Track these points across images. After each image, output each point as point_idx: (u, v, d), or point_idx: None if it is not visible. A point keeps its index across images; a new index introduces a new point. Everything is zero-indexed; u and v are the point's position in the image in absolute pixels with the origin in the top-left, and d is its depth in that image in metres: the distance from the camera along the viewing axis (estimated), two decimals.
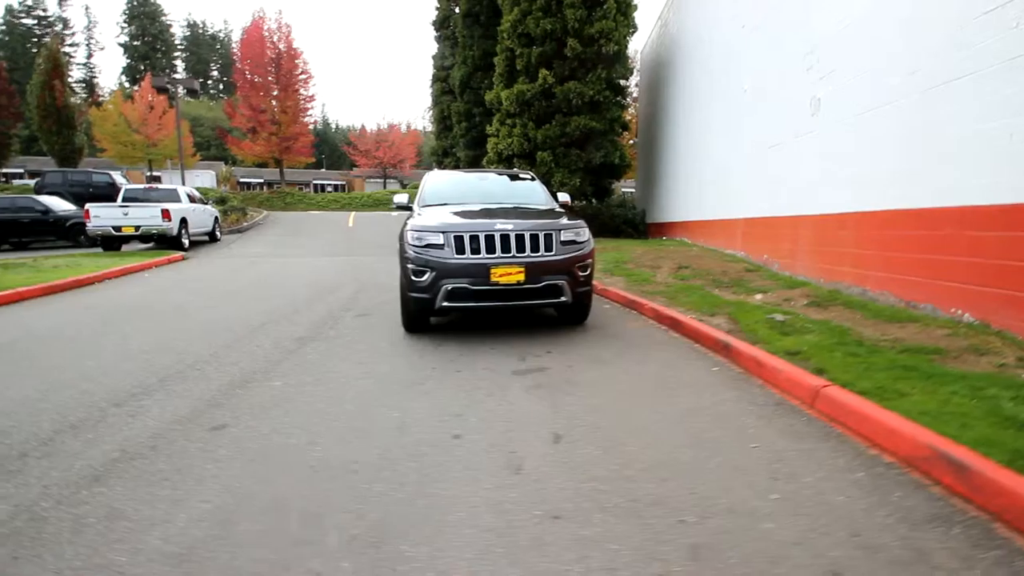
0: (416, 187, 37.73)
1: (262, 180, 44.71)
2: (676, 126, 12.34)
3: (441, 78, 19.51)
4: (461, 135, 16.75)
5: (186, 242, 12.91)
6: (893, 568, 1.61)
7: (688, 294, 6.25)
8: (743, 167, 8.11)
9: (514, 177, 6.34)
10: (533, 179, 6.29)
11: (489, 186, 6.01)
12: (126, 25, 52.87)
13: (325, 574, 1.62)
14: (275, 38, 31.44)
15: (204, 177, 32.71)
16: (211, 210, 15.43)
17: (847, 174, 5.50)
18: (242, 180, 42.38)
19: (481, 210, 5.04)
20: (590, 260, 4.69)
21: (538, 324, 5.18)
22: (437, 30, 19.66)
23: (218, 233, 15.72)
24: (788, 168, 6.70)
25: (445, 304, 4.37)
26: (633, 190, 18.47)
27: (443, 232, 4.40)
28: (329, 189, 45.78)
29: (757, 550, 1.70)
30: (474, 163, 17.01)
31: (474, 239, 4.33)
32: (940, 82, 4.23)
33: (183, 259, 11.30)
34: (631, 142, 18.52)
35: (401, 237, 4.94)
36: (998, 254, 3.66)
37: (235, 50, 37.71)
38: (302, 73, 32.42)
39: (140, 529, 1.87)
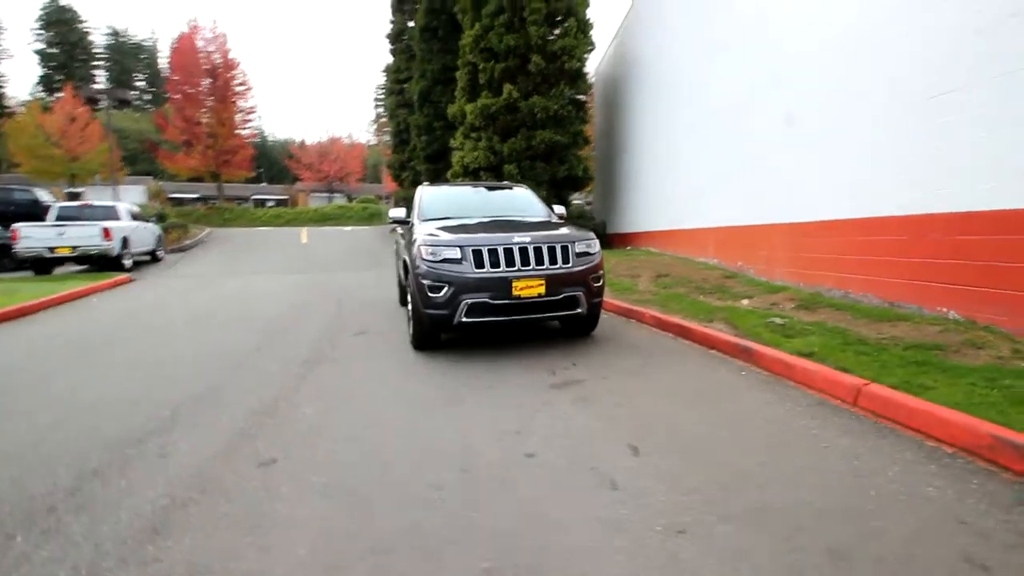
0: (367, 201, 37.53)
1: (196, 195, 42.26)
2: (638, 141, 12.76)
3: (397, 91, 19.28)
4: (421, 148, 16.57)
5: (128, 263, 11.97)
6: (1011, 550, 1.71)
7: (677, 301, 6.43)
8: (714, 180, 8.49)
9: (508, 189, 6.33)
10: (527, 191, 6.31)
11: (486, 199, 5.97)
12: (42, 32, 48.77)
13: None
14: (210, 48, 30.00)
15: (133, 192, 30.41)
16: (153, 228, 14.41)
17: (824, 184, 5.87)
18: (173, 195, 39.81)
19: (491, 223, 5.00)
20: (601, 271, 4.74)
21: (545, 337, 5.17)
22: (392, 43, 19.45)
23: (161, 252, 14.68)
24: (762, 179, 7.08)
25: (464, 320, 4.27)
26: (580, 201, 18.93)
27: (460, 246, 4.32)
28: (270, 204, 43.89)
29: (885, 548, 1.75)
30: (435, 176, 16.86)
31: (493, 252, 4.28)
32: (922, 99, 4.62)
33: (130, 281, 10.45)
34: (590, 155, 18.96)
35: (407, 252, 4.81)
36: (984, 256, 4.01)
37: (164, 60, 35.65)
38: (240, 84, 31.05)
39: None
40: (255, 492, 2.27)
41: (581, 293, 4.47)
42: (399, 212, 5.67)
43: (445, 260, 4.31)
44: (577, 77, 13.34)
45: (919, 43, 4.67)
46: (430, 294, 4.31)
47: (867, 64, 5.26)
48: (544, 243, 4.40)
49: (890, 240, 4.94)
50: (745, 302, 6.27)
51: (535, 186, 13.13)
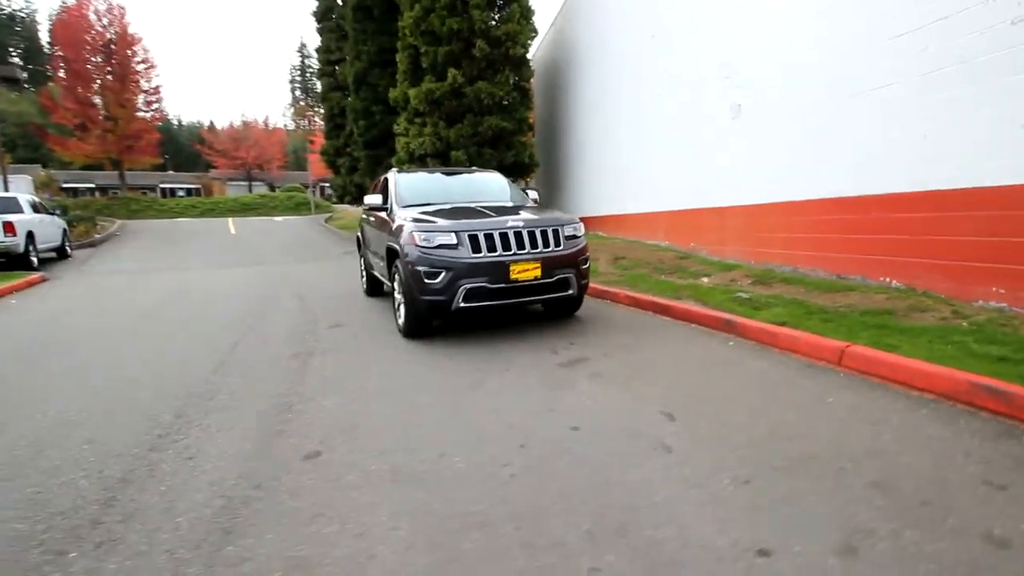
0: (292, 190, 35.91)
1: (93, 185, 38.18)
2: (581, 129, 13.08)
3: (329, 72, 18.35)
4: (359, 134, 15.96)
5: (35, 260, 10.71)
6: (1015, 471, 2.05)
7: (643, 281, 6.78)
8: (663, 166, 8.93)
9: (481, 174, 6.33)
10: (499, 176, 6.35)
11: (461, 184, 5.95)
12: None
13: (604, 569, 1.63)
14: (104, 21, 26.99)
15: (17, 183, 26.81)
16: (59, 221, 12.93)
17: (772, 169, 6.39)
18: (67, 185, 35.68)
19: (473, 208, 5.00)
20: (587, 254, 4.90)
21: (530, 320, 5.26)
22: (319, 21, 18.43)
23: (68, 248, 13.23)
24: (713, 166, 7.55)
25: (462, 305, 4.29)
26: (522, 188, 19.15)
27: (455, 231, 4.31)
28: (181, 194, 40.51)
29: (919, 478, 2.04)
30: (375, 163, 16.34)
31: (489, 237, 4.31)
32: (857, 92, 5.15)
33: (44, 280, 9.36)
34: (533, 142, 19.12)
35: (392, 239, 4.73)
36: (920, 231, 4.58)
37: (47, 33, 31.58)
38: (142, 62, 28.22)
39: (355, 572, 1.68)
40: (317, 483, 2.23)
41: (572, 275, 4.62)
42: (376, 199, 5.52)
43: (441, 246, 4.29)
44: (521, 63, 13.39)
45: (852, 44, 5.18)
46: (426, 280, 4.28)
47: (811, 60, 5.75)
48: (536, 227, 4.49)
49: (836, 219, 5.50)
50: (705, 280, 6.72)
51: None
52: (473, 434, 2.64)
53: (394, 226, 4.93)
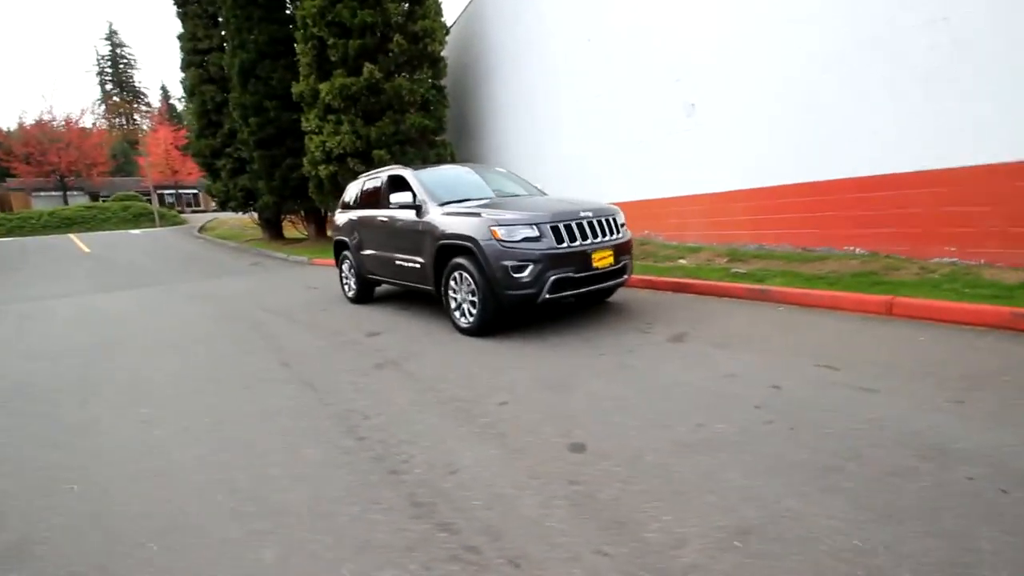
0: (127, 199, 31.74)
1: None
2: (500, 129, 13.33)
3: (198, 63, 16.03)
4: (251, 132, 14.31)
5: None
6: None
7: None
8: (610, 162, 9.59)
9: (493, 171, 6.27)
10: (506, 170, 6.38)
11: (485, 179, 5.86)
12: None
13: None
14: None
15: None
16: None
17: (736, 160, 7.32)
18: None
19: (519, 199, 5.05)
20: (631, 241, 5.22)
21: (561, 314, 5.42)
22: (180, 6, 16.01)
23: None
24: (668, 160, 8.36)
25: (548, 296, 4.33)
26: None
27: (535, 224, 4.33)
28: None
29: (1012, 375, 2.71)
30: (271, 164, 14.82)
31: (568, 228, 4.40)
32: (829, 86, 6.18)
33: None
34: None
35: (456, 237, 4.57)
36: (881, 207, 5.70)
37: None
38: None
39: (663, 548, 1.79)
40: (613, 476, 2.22)
41: (629, 260, 4.90)
42: (405, 197, 5.22)
43: (525, 239, 4.28)
44: (438, 61, 13.24)
45: (804, 53, 6.23)
46: (514, 275, 4.24)
47: (766, 59, 6.74)
48: (602, 216, 4.68)
49: (803, 201, 6.53)
50: (683, 261, 7.47)
51: None
52: (698, 405, 2.79)
53: (446, 224, 4.75)
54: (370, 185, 6.41)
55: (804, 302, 4.76)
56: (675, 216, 8.44)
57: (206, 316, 6.61)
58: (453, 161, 13.99)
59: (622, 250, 4.75)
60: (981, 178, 4.94)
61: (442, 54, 13.39)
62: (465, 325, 4.67)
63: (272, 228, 17.92)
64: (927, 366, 3.05)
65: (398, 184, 5.72)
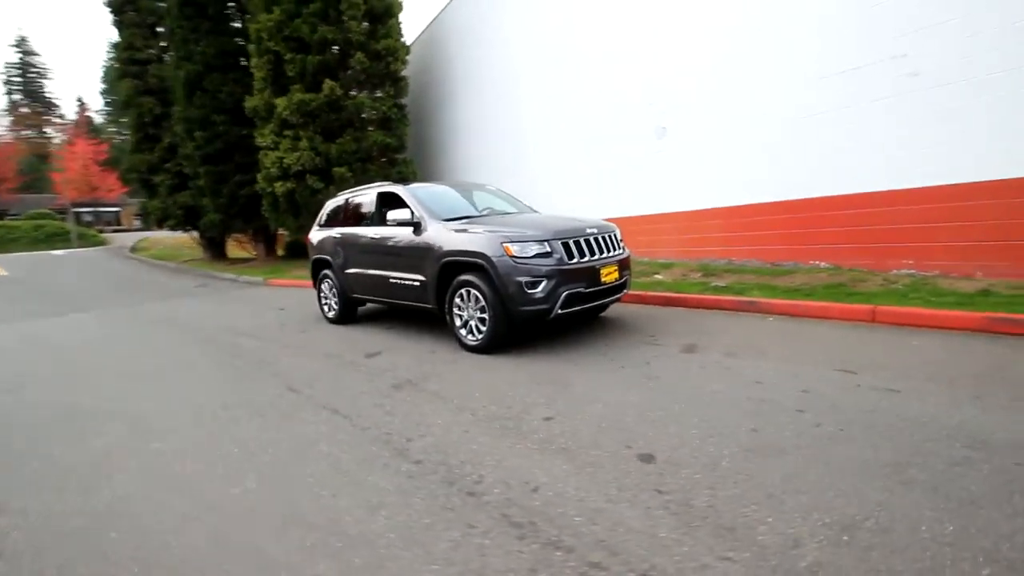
0: (38, 218, 29.46)
1: None
2: (472, 147, 13.36)
3: (134, 74, 14.99)
4: (197, 146, 13.53)
5: None
6: None
7: None
8: (580, 182, 9.86)
9: (480, 186, 6.27)
10: (495, 187, 6.40)
11: (476, 196, 5.85)
12: None
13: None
14: None
15: None
16: None
17: (707, 180, 7.73)
18: None
19: (521, 216, 5.10)
20: None
21: (559, 330, 5.48)
22: (116, 13, 14.96)
23: None
24: (641, 180, 8.70)
25: (560, 311, 4.36)
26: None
27: (547, 240, 4.38)
28: None
29: (1006, 372, 3.05)
30: (218, 180, 14.06)
31: (577, 243, 4.48)
32: (806, 114, 6.67)
33: None
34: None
35: (462, 254, 4.53)
36: (845, 224, 6.20)
37: None
38: None
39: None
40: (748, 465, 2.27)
41: (628, 276, 5.04)
42: (403, 214, 5.11)
43: (537, 255, 4.31)
44: (400, 80, 13.17)
45: (771, 83, 6.75)
46: (528, 290, 4.25)
47: (738, 84, 7.22)
48: (604, 232, 4.80)
49: (770, 219, 6.98)
50: (659, 276, 7.75)
51: None
52: (743, 412, 2.90)
53: (450, 240, 4.70)
54: (356, 202, 6.24)
55: (792, 312, 5.06)
56: (647, 233, 8.76)
57: (177, 340, 6.13)
58: (414, 178, 13.88)
59: (624, 265, 4.88)
60: (934, 197, 5.50)
61: (403, 73, 13.35)
62: (473, 343, 4.61)
63: (214, 248, 16.94)
64: (933, 367, 3.33)
65: (391, 201, 5.61)
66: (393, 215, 5.14)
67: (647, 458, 2.45)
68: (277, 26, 12.04)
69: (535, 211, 6.08)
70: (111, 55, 15.57)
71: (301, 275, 12.37)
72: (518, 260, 4.28)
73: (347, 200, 6.42)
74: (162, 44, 15.29)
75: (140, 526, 2.19)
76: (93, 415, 3.62)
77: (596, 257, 4.57)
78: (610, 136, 9.17)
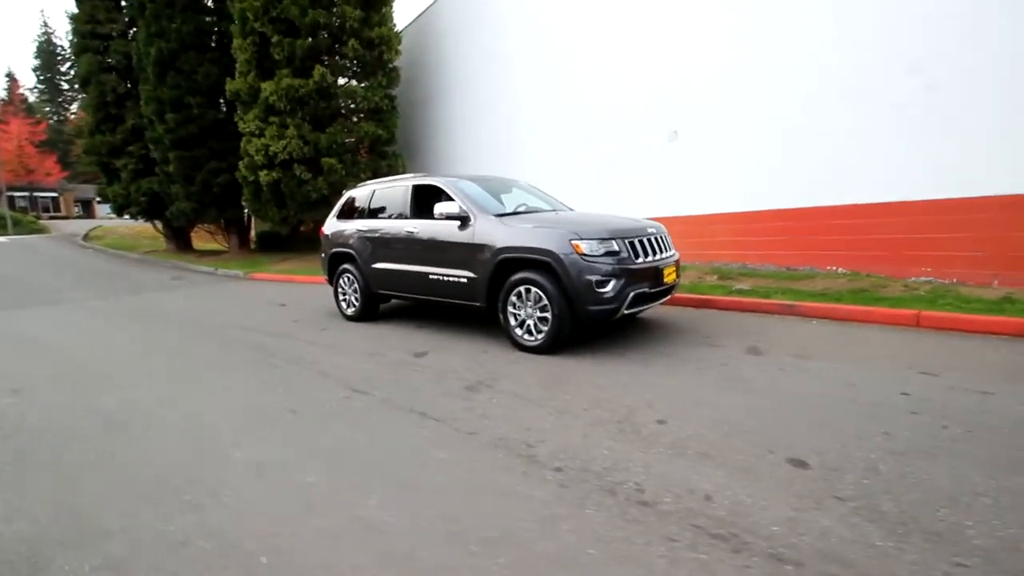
0: None
1: None
2: (462, 143, 13.10)
3: (96, 48, 13.79)
4: (169, 129, 12.63)
5: None
6: None
7: None
8: (590, 181, 9.83)
9: (515, 183, 6.10)
10: (526, 183, 6.26)
11: (515, 192, 5.69)
12: None
13: None
14: None
15: None
16: None
17: (719, 186, 7.86)
18: None
19: (590, 216, 5.05)
20: None
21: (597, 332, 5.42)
22: None
23: None
24: (650, 184, 8.75)
25: (626, 311, 4.29)
26: None
27: (614, 238, 4.29)
28: None
29: None
30: (192, 166, 13.19)
31: (642, 243, 4.42)
32: (801, 125, 6.87)
33: None
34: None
35: (525, 250, 4.38)
36: (864, 232, 6.43)
37: None
38: None
39: None
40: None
41: (679, 278, 5.03)
42: (451, 207, 4.90)
43: (607, 253, 4.22)
44: (393, 71, 12.78)
45: (785, 94, 6.94)
46: (597, 290, 4.15)
47: (752, 89, 7.38)
48: (660, 232, 4.76)
49: (787, 225, 7.16)
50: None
51: (357, 182, 12.13)
52: (860, 415, 2.90)
53: (508, 236, 4.54)
54: (385, 194, 5.95)
55: (832, 316, 5.19)
56: None
57: (186, 337, 5.66)
58: (403, 172, 13.49)
59: (678, 265, 4.86)
60: (949, 209, 5.78)
61: (395, 64, 12.95)
62: (531, 343, 4.46)
63: (180, 238, 15.92)
64: (1008, 369, 3.47)
65: (428, 194, 5.38)
66: (441, 208, 4.91)
67: (799, 463, 2.40)
68: (264, 6, 11.43)
69: (571, 208, 5.99)
70: (71, 28, 14.22)
71: (285, 269, 11.80)
72: (587, 258, 4.17)
73: (374, 192, 6.11)
74: (126, 19, 14.19)
75: (289, 547, 1.94)
76: (147, 419, 3.25)
77: (658, 257, 4.52)
78: (613, 133, 9.19)
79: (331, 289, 6.58)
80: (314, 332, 5.73)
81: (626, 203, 9.16)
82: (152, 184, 14.22)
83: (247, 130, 11.68)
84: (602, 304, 4.18)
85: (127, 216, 15.29)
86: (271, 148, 11.33)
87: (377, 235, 5.81)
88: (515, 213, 5.03)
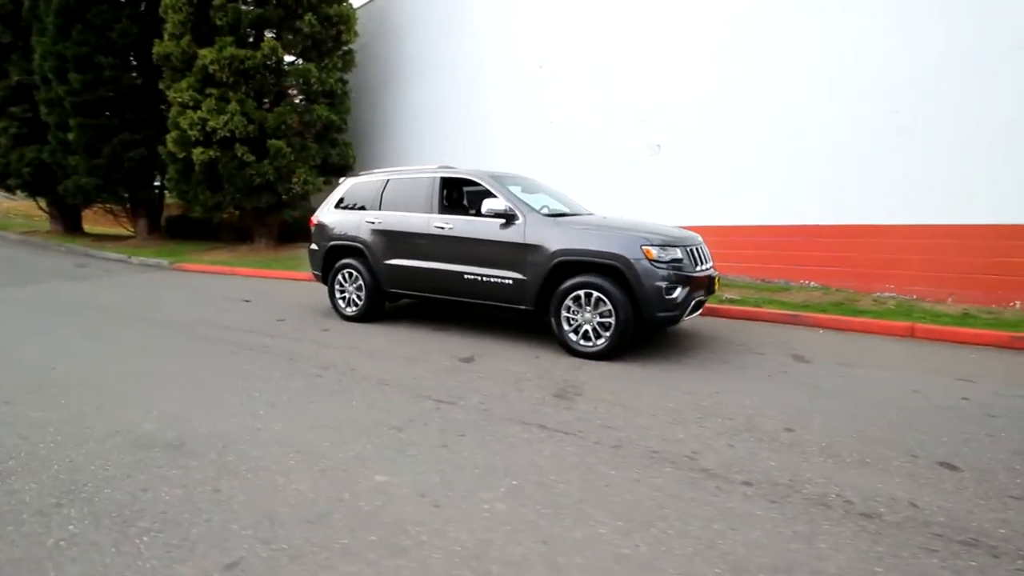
0: None
1: None
2: (417, 139, 12.57)
3: None
4: (70, 91, 10.68)
5: None
6: None
7: None
8: (566, 189, 9.86)
9: (538, 184, 5.90)
10: (548, 186, 6.11)
11: (543, 191, 5.53)
12: None
13: None
14: None
15: None
16: None
17: (697, 200, 8.27)
18: None
19: (641, 221, 5.03)
20: None
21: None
22: None
23: None
24: (627, 196, 8.99)
25: (685, 318, 4.34)
26: None
27: (678, 246, 4.32)
28: None
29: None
30: (98, 137, 11.21)
31: (694, 252, 4.49)
32: (779, 151, 7.44)
33: None
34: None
35: (592, 254, 4.27)
36: (834, 250, 7.10)
37: None
38: None
39: None
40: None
41: None
42: (499, 204, 4.63)
43: (673, 260, 4.23)
44: (349, 53, 11.94)
45: (768, 121, 7.51)
46: (667, 296, 4.15)
47: (730, 106, 7.87)
48: (703, 243, 4.88)
49: (762, 240, 7.71)
50: None
51: (311, 172, 11.20)
52: (944, 419, 3.16)
53: (567, 238, 4.40)
54: (402, 186, 5.48)
55: (836, 326, 5.65)
56: None
57: (155, 338, 4.78)
58: (351, 165, 12.64)
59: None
60: (910, 234, 6.58)
61: (351, 46, 12.11)
62: (589, 349, 4.33)
63: (70, 219, 13.59)
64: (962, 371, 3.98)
65: (460, 188, 5.08)
66: (490, 205, 4.63)
67: (949, 466, 2.54)
68: None
69: (591, 212, 5.94)
70: None
71: (221, 260, 10.56)
72: (657, 264, 4.15)
73: (387, 182, 5.61)
74: None
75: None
76: (203, 445, 2.66)
77: (708, 266, 4.64)
78: (598, 147, 9.34)
79: (315, 285, 5.99)
80: (315, 333, 5.14)
81: (597, 207, 9.34)
82: (41, 153, 11.95)
83: (179, 100, 10.26)
84: (669, 311, 4.18)
85: (1, 190, 12.71)
86: (210, 123, 10.05)
87: (394, 229, 5.34)
88: (563, 214, 4.89)
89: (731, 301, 6.72)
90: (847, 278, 7.07)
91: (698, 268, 4.41)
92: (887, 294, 6.77)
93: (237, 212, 12.37)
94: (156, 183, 12.66)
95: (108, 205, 12.81)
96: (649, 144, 8.76)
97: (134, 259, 10.46)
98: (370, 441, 2.73)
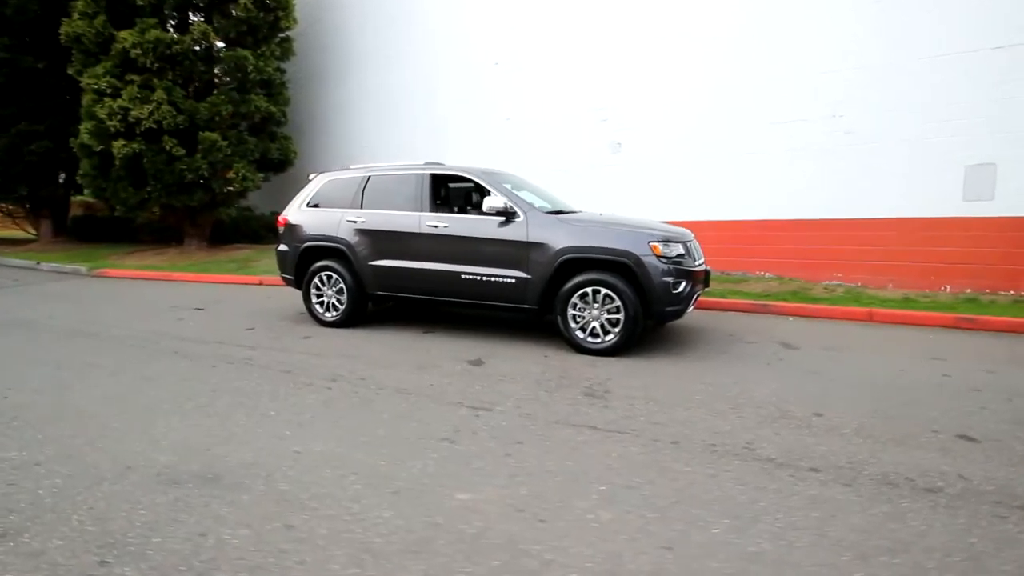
0: None
1: None
2: (375, 131, 12.05)
3: None
4: None
5: None
6: (1011, 350, 4.68)
7: None
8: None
9: (522, 180, 5.80)
10: (531, 183, 6.03)
11: (532, 188, 5.45)
12: None
13: None
14: None
15: None
16: None
17: (658, 197, 8.55)
18: None
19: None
20: None
21: None
22: None
23: None
24: (587, 194, 9.11)
25: (688, 311, 4.47)
26: None
27: (679, 241, 4.42)
28: None
29: (981, 352, 4.39)
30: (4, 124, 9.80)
31: (691, 247, 4.63)
32: (747, 151, 7.86)
33: None
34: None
35: (601, 251, 4.28)
36: (787, 242, 7.61)
37: None
38: None
39: None
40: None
41: None
42: (498, 202, 4.51)
43: (679, 255, 4.33)
44: (287, 41, 11.20)
45: (722, 123, 7.92)
46: (674, 291, 4.24)
47: (695, 107, 8.21)
48: (695, 238, 5.04)
49: (723, 234, 8.11)
50: None
51: (250, 168, 10.43)
52: (953, 398, 3.47)
53: (572, 236, 4.38)
54: (385, 183, 5.20)
55: (800, 313, 6.05)
56: None
57: (127, 355, 4.22)
58: (291, 160, 11.91)
59: None
60: (854, 227, 7.20)
61: (289, 33, 11.36)
62: (598, 345, 4.34)
63: None
64: (993, 353, 4.45)
65: (449, 185, 4.91)
66: (490, 203, 4.51)
67: (968, 439, 2.76)
68: None
69: (576, 209, 5.96)
70: None
71: (148, 265, 9.57)
72: (664, 260, 4.23)
73: (368, 178, 5.30)
74: None
75: None
76: (243, 475, 2.37)
77: (703, 260, 4.80)
78: (558, 145, 9.39)
79: (272, 290, 5.63)
80: (298, 341, 4.80)
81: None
82: None
83: (94, 87, 9.13)
84: (676, 305, 4.28)
85: None
86: (132, 113, 9.04)
87: (381, 228, 5.06)
88: (562, 212, 4.86)
89: (706, 293, 7.00)
90: (798, 268, 7.61)
91: (696, 263, 4.55)
92: (835, 282, 7.35)
93: (158, 211, 11.24)
94: (61, 179, 11.22)
95: (4, 205, 11.18)
96: (610, 143, 8.94)
97: (44, 265, 9.21)
98: (426, 456, 2.55)
